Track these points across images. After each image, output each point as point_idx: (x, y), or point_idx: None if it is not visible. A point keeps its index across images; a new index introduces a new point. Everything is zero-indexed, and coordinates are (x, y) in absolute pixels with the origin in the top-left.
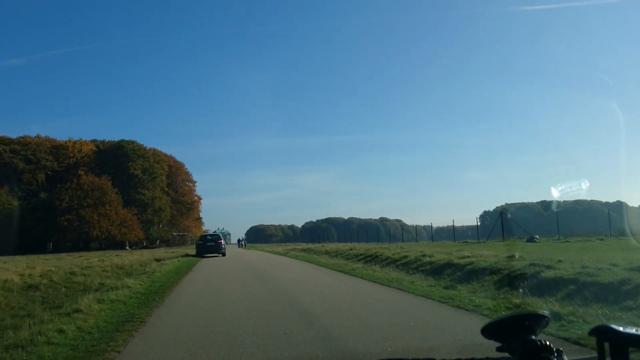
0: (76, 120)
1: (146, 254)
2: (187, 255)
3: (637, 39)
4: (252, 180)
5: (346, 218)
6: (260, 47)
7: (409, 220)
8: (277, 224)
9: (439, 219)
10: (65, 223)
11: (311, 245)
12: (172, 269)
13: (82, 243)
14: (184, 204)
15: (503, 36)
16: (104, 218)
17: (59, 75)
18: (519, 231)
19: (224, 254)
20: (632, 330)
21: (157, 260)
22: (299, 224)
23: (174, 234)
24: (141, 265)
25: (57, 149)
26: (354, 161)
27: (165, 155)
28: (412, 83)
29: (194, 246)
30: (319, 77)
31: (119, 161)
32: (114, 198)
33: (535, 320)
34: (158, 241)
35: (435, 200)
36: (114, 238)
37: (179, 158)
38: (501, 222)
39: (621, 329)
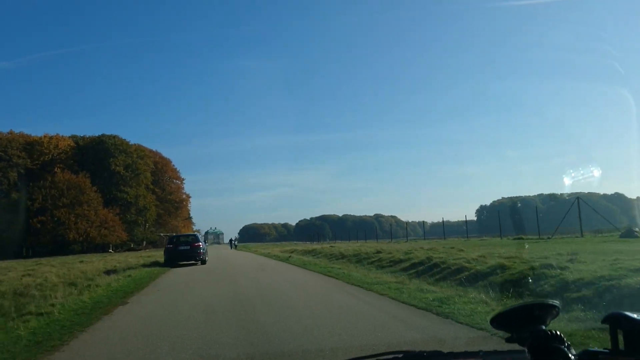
0: (69, 122)
1: (117, 259)
2: (156, 263)
3: None
4: (245, 179)
5: (340, 215)
6: (252, 48)
7: (403, 217)
8: (270, 222)
9: (432, 215)
10: (38, 225)
11: (314, 246)
12: (89, 303)
13: (58, 246)
14: (172, 202)
15: (505, 28)
16: (81, 219)
17: (50, 78)
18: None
19: (203, 262)
20: None
21: (109, 272)
22: (293, 222)
23: (162, 234)
24: (71, 284)
25: (32, 145)
26: (347, 159)
27: (151, 151)
28: (403, 80)
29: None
30: (311, 77)
31: (99, 157)
32: (93, 197)
33: (545, 310)
34: (144, 242)
35: (428, 196)
36: (93, 240)
37: (165, 155)
38: (578, 214)
39: (635, 316)
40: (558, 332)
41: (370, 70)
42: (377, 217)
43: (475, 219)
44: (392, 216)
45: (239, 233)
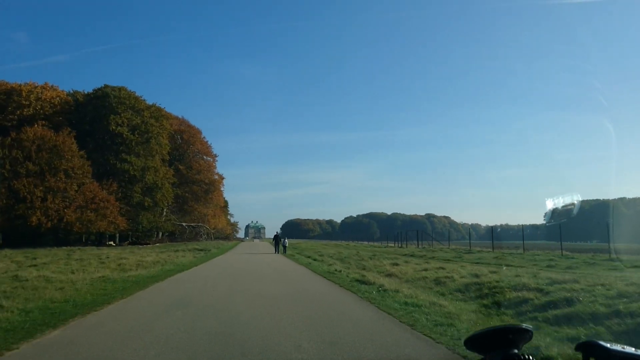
0: None
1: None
2: None
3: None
4: (287, 175)
5: (389, 213)
6: (271, 43)
7: (457, 218)
8: (314, 218)
9: (492, 217)
10: None
11: (445, 262)
12: None
13: (28, 235)
14: (200, 184)
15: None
16: (53, 194)
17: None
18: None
19: None
20: (618, 348)
21: None
22: (338, 219)
23: (184, 224)
24: None
25: (7, 95)
26: (400, 155)
27: (175, 117)
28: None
29: (209, 244)
30: (366, 74)
31: (98, 115)
32: (76, 164)
33: (519, 335)
34: (160, 234)
35: (485, 197)
36: (71, 227)
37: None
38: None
39: (608, 345)
40: (530, 357)
41: (431, 73)
42: (429, 216)
43: (544, 223)
44: (445, 216)
45: (281, 228)
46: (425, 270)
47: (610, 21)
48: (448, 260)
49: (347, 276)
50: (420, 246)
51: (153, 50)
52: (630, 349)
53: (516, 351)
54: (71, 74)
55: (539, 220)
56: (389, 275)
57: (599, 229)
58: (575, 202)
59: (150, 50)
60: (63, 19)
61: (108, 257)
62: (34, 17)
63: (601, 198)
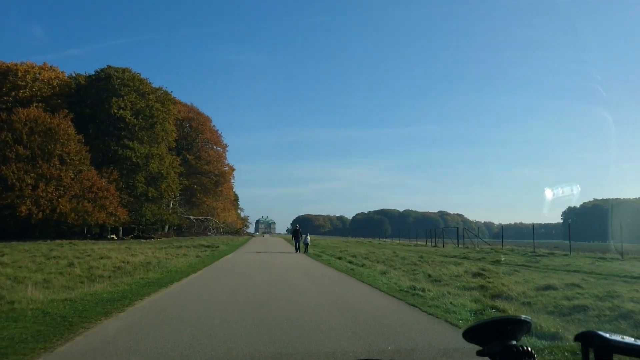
0: None
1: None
2: None
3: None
4: (297, 171)
5: (401, 210)
6: (275, 37)
7: (471, 216)
8: (325, 214)
9: (505, 215)
10: None
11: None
12: None
13: (20, 226)
14: (209, 175)
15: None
16: (45, 182)
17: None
18: None
19: None
20: (618, 338)
21: None
22: (349, 215)
23: (192, 218)
24: None
25: (3, 76)
26: (412, 153)
27: (184, 105)
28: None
29: (218, 239)
30: (374, 70)
31: (100, 97)
32: (72, 149)
33: (517, 326)
34: (167, 228)
35: (498, 195)
36: (65, 218)
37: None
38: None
39: (607, 335)
40: (528, 348)
41: (436, 65)
42: (442, 214)
43: (561, 222)
44: (458, 214)
45: (291, 224)
46: (553, 289)
47: (611, 19)
48: (526, 266)
49: (459, 305)
50: (459, 245)
51: (166, 44)
52: (630, 339)
53: (514, 342)
54: (84, 69)
55: (548, 219)
56: (503, 297)
57: (621, 228)
58: (575, 192)
59: (163, 44)
60: (77, 13)
61: (89, 255)
62: (49, 11)
63: (621, 197)
